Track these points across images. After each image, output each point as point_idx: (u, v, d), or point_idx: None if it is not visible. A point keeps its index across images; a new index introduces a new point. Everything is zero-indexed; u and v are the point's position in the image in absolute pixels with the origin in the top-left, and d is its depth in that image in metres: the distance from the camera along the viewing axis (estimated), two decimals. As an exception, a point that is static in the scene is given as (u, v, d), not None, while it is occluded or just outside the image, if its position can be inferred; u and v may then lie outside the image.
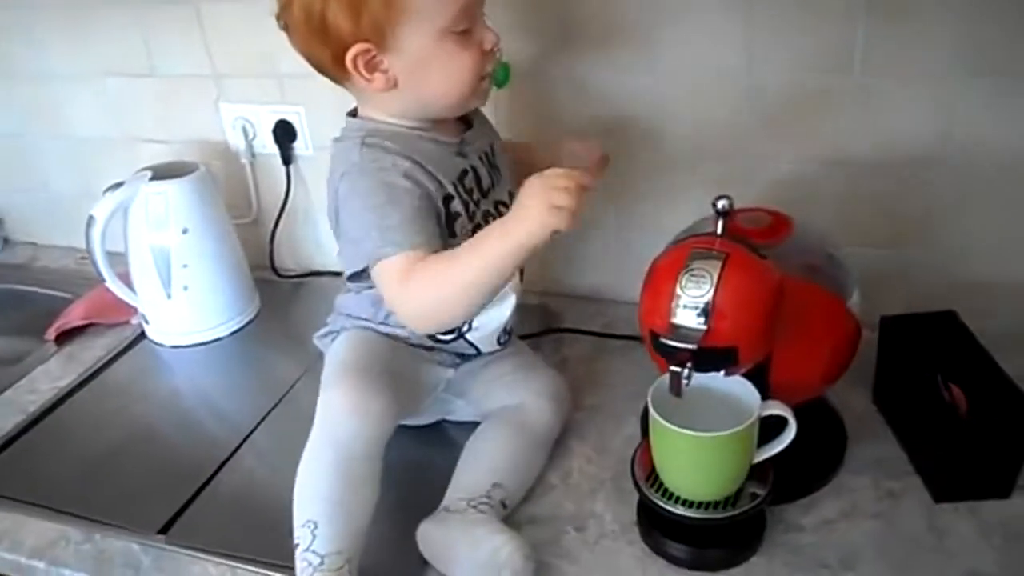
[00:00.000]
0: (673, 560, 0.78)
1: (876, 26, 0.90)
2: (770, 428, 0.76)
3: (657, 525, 0.80)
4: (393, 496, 0.82)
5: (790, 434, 0.75)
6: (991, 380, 0.82)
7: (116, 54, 1.26)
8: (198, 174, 1.14)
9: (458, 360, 0.92)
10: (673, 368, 0.65)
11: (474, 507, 0.79)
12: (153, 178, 1.12)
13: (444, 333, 0.88)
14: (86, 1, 1.23)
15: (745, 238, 0.71)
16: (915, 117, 0.94)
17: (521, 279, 0.90)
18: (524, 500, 0.86)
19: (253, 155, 1.26)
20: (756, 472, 0.77)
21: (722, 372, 0.71)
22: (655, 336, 0.68)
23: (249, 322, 1.22)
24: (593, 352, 1.08)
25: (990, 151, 0.93)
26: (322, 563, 0.71)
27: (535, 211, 0.68)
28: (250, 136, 1.24)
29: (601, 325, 1.13)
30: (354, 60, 0.76)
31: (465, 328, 0.88)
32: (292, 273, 1.32)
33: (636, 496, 0.83)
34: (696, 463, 0.74)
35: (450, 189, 0.81)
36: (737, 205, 0.83)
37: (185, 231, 1.12)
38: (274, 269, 1.32)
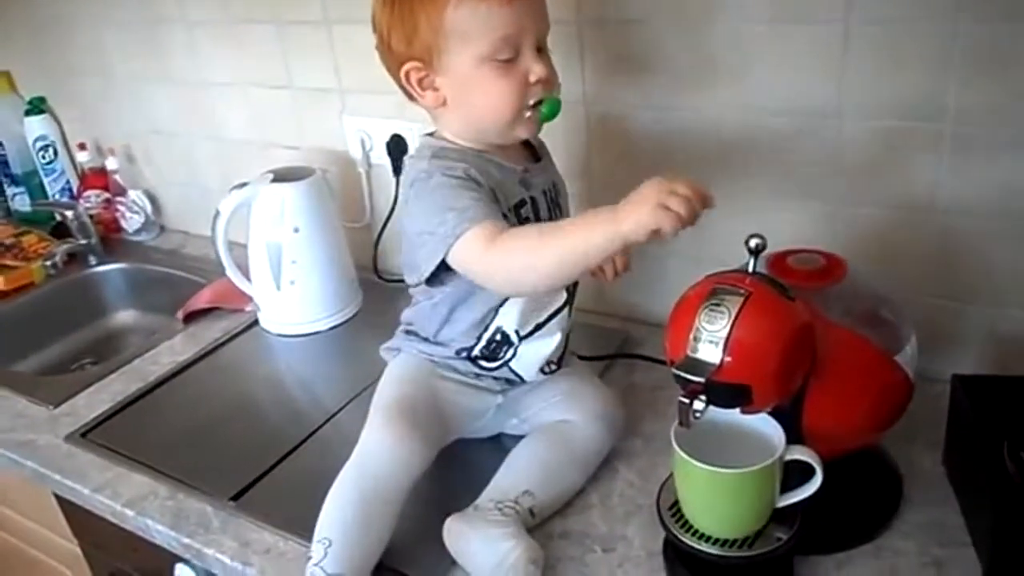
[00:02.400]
0: (693, 595, 0.78)
1: (969, 74, 0.87)
2: (803, 474, 0.75)
3: (680, 558, 0.80)
4: (439, 493, 0.89)
5: (815, 483, 0.73)
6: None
7: (260, 67, 1.39)
8: (313, 179, 1.24)
9: (506, 386, 0.96)
10: (681, 399, 0.66)
11: (500, 509, 0.82)
12: (274, 180, 1.23)
13: (489, 360, 0.92)
14: (238, 19, 1.37)
15: (780, 278, 0.71)
16: (1012, 166, 0.89)
17: (570, 312, 0.94)
18: (561, 514, 0.89)
19: (370, 165, 1.36)
20: (782, 516, 0.76)
21: (738, 410, 0.70)
22: (672, 365, 0.69)
23: (349, 319, 1.31)
24: (662, 381, 1.08)
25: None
26: None
27: (646, 206, 0.68)
28: (367, 147, 1.33)
29: (674, 356, 1.13)
30: (407, 75, 0.84)
31: (510, 355, 0.92)
32: (394, 277, 1.40)
33: (669, 527, 0.84)
34: (712, 498, 0.74)
35: (505, 210, 0.85)
36: (809, 245, 0.84)
37: (296, 230, 1.23)
38: (377, 272, 1.40)
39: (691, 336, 0.68)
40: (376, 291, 1.37)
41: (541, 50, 0.84)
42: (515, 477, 0.87)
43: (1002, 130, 0.88)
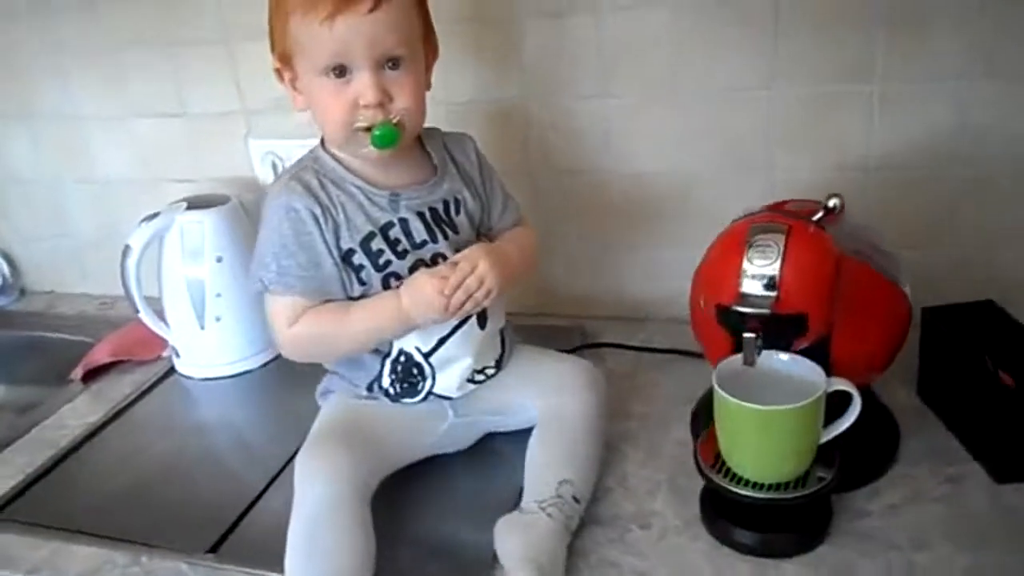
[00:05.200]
0: (741, 548, 0.77)
1: (894, 35, 0.95)
2: (831, 410, 0.76)
3: (723, 513, 0.79)
4: (491, 495, 0.87)
5: (855, 409, 0.75)
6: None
7: (147, 95, 1.28)
8: (231, 204, 1.15)
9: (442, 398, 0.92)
10: (747, 335, 0.66)
11: (543, 509, 0.79)
12: (188, 208, 1.13)
13: (410, 396, 0.90)
14: (118, 42, 1.25)
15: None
16: (932, 117, 0.98)
17: (482, 324, 0.89)
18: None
19: (282, 189, 1.27)
20: (822, 455, 0.77)
21: (785, 353, 0.71)
22: (724, 309, 0.69)
23: (280, 355, 1.21)
24: (634, 367, 1.09)
25: (1006, 143, 0.97)
26: None
27: (433, 307, 0.79)
28: (278, 170, 1.25)
29: (640, 341, 1.14)
30: (279, 72, 0.85)
31: (429, 384, 0.89)
32: (320, 306, 1.32)
33: (696, 493, 0.84)
34: (762, 440, 0.74)
35: (353, 244, 0.83)
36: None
37: (219, 259, 1.13)
38: (303, 301, 1.31)
39: (740, 276, 0.68)
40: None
41: (395, 67, 0.79)
42: (544, 473, 0.83)
43: (925, 84, 0.96)
